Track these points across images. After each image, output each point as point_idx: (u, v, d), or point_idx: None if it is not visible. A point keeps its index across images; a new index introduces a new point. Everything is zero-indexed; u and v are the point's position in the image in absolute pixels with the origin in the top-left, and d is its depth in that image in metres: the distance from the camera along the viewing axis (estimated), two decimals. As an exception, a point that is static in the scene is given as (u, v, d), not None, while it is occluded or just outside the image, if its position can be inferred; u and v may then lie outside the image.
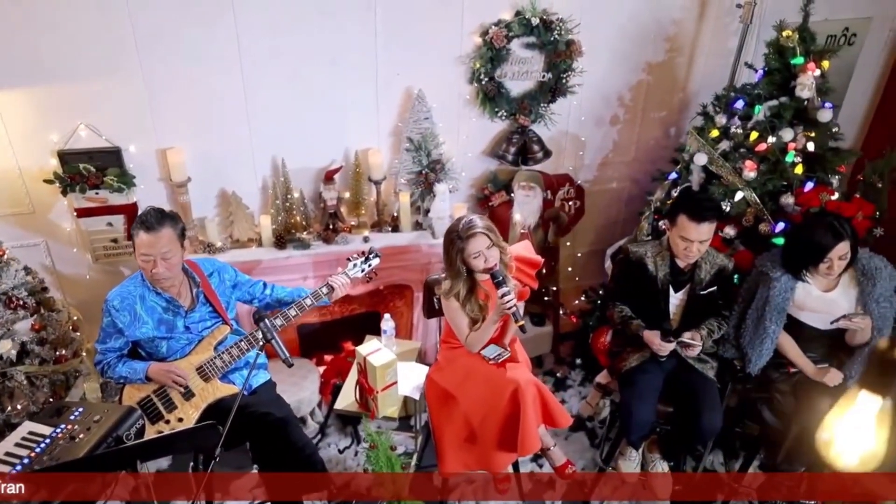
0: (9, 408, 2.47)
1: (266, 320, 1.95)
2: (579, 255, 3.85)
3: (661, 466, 2.77)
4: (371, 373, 2.47)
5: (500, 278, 2.33)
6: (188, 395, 2.23)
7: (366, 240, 3.13)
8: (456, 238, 2.40)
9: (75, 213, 2.77)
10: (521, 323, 2.33)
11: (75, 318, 2.89)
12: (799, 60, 2.59)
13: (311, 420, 3.24)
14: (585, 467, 3.09)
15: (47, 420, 1.96)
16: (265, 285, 2.51)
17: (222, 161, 2.95)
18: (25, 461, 1.79)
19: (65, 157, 2.66)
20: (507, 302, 2.29)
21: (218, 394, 2.27)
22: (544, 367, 3.83)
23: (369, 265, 2.60)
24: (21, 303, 2.50)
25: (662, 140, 3.70)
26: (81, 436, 1.88)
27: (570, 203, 3.49)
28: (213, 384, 2.27)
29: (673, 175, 3.12)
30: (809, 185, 2.65)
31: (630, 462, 2.76)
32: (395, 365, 2.50)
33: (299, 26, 2.75)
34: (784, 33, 2.61)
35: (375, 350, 2.51)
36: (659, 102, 3.57)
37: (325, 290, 2.43)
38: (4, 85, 2.52)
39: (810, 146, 2.63)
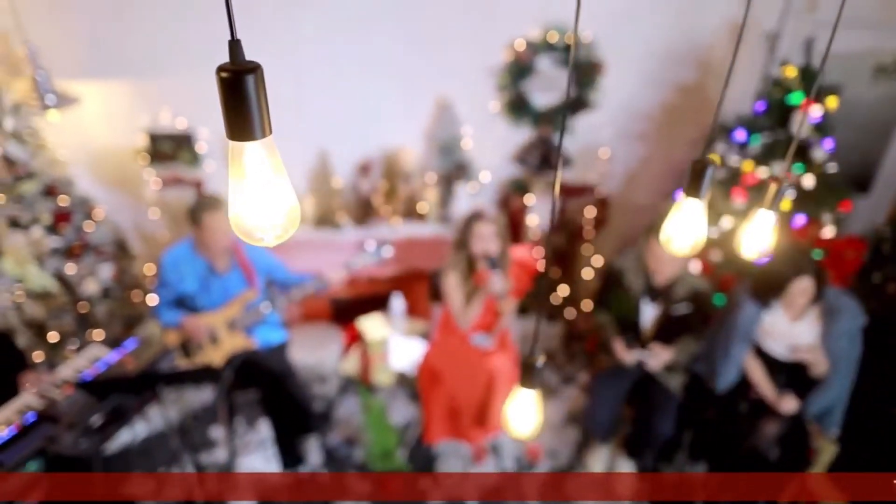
0: (92, 333, 3.14)
1: (271, 288, 2.40)
2: (602, 262, 4.03)
3: (626, 466, 2.98)
4: (367, 344, 2.87)
5: (494, 264, 2.66)
6: (216, 342, 2.75)
7: (391, 230, 3.52)
8: (469, 217, 2.78)
9: (157, 183, 3.38)
10: (502, 304, 2.67)
11: (149, 269, 3.53)
12: (796, 99, 2.64)
13: (331, 379, 3.72)
14: (570, 456, 3.35)
15: (110, 347, 2.55)
16: (284, 268, 2.96)
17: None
18: (89, 375, 2.37)
19: (150, 136, 3.26)
20: (494, 281, 2.61)
21: (240, 344, 2.76)
22: (553, 362, 4.08)
23: (374, 259, 2.93)
24: (106, 253, 3.13)
25: (690, 158, 3.77)
26: (130, 363, 2.44)
27: (590, 212, 3.69)
28: (237, 336, 2.77)
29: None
30: (802, 220, 2.71)
31: (596, 456, 3.00)
32: (387, 340, 2.89)
33: (346, 36, 3.15)
34: (785, 71, 2.66)
35: (375, 325, 2.91)
36: (688, 121, 3.65)
37: (324, 280, 2.80)
38: (106, 76, 3.14)
39: (806, 181, 2.69)
